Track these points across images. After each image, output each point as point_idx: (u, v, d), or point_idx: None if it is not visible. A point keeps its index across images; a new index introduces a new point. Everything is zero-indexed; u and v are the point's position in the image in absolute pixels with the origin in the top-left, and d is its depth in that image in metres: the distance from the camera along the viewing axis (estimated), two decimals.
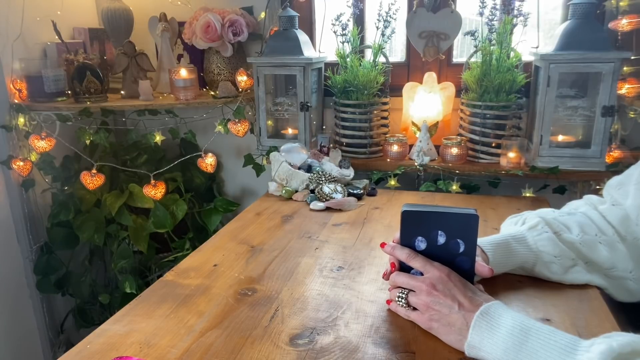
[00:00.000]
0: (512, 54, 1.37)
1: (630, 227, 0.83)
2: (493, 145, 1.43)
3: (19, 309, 1.62)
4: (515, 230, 0.85)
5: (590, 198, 0.91)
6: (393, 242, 0.76)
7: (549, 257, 0.81)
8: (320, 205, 1.22)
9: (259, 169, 1.60)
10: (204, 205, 1.77)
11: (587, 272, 0.81)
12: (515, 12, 1.33)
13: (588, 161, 1.32)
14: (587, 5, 1.27)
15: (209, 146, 1.65)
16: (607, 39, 1.26)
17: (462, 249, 0.71)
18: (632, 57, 1.29)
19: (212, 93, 1.66)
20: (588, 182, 1.40)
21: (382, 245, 0.76)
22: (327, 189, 1.27)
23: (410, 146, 1.53)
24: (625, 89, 1.32)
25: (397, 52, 1.67)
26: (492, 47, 1.37)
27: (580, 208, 0.90)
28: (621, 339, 0.53)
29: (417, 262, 0.72)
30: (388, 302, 0.76)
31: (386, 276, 0.77)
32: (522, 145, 1.39)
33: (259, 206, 1.26)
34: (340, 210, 1.22)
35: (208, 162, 1.61)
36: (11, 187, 1.57)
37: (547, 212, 0.88)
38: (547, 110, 1.32)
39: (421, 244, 0.72)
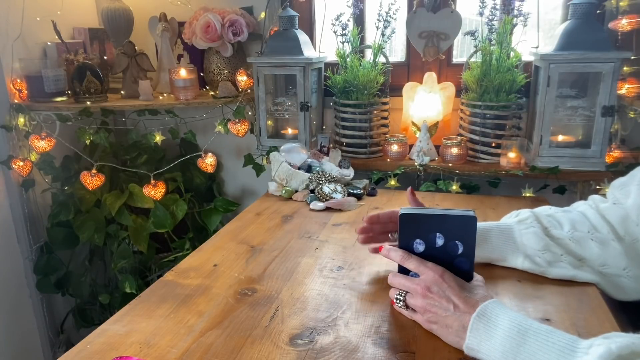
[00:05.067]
0: (512, 54, 1.37)
1: (630, 227, 0.83)
2: (493, 145, 1.43)
3: (19, 309, 1.62)
4: (504, 222, 0.88)
5: (594, 198, 0.92)
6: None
7: (532, 250, 0.83)
8: (320, 205, 1.22)
9: (259, 169, 1.60)
10: (204, 205, 1.77)
11: (573, 268, 0.83)
12: (515, 12, 1.33)
13: (588, 161, 1.32)
14: (587, 5, 1.27)
15: (209, 146, 1.65)
16: (607, 39, 1.26)
17: (460, 250, 0.71)
18: (632, 57, 1.28)
19: (212, 93, 1.66)
20: (588, 182, 1.40)
21: (380, 248, 0.77)
22: (327, 189, 1.27)
23: (410, 146, 1.53)
24: (625, 89, 1.32)
25: (397, 52, 1.67)
26: (492, 47, 1.37)
27: (580, 207, 0.91)
28: (620, 340, 0.53)
29: (411, 264, 0.72)
30: (392, 302, 0.76)
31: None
32: (522, 145, 1.39)
33: (259, 206, 1.26)
34: (340, 210, 1.22)
35: (208, 162, 1.61)
36: (11, 187, 1.57)
37: (544, 209, 0.90)
38: (547, 110, 1.32)
39: (419, 246, 0.72)
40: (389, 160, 1.51)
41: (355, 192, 1.30)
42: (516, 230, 0.85)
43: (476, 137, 1.44)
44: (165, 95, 1.69)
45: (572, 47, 1.27)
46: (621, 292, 0.82)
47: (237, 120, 1.57)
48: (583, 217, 0.87)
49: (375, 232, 0.90)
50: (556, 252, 0.83)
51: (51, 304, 1.73)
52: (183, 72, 1.57)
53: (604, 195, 0.92)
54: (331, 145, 1.56)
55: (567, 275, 0.82)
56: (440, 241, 0.71)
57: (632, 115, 1.33)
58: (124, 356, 0.65)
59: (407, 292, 0.72)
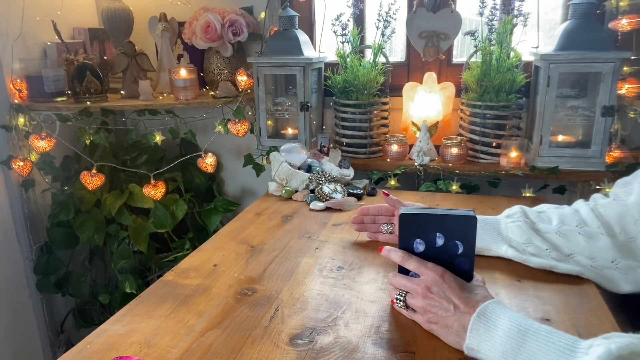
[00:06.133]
0: (512, 54, 1.37)
1: (628, 225, 0.83)
2: (493, 145, 1.43)
3: (19, 309, 1.62)
4: (493, 216, 0.92)
5: (595, 196, 0.93)
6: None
7: (516, 242, 0.88)
8: (320, 205, 1.22)
9: (259, 169, 1.60)
10: (204, 205, 1.77)
11: (554, 259, 0.85)
12: (515, 12, 1.33)
13: (588, 161, 1.32)
14: (587, 5, 1.27)
15: (209, 146, 1.65)
16: (607, 39, 1.26)
17: (460, 250, 0.71)
18: (632, 57, 1.29)
19: (212, 93, 1.66)
20: (588, 182, 1.40)
21: (380, 249, 0.77)
22: (327, 189, 1.27)
23: (410, 146, 1.53)
24: (625, 89, 1.32)
25: (397, 52, 1.67)
26: (492, 47, 1.37)
27: (577, 204, 0.92)
28: (620, 340, 0.53)
29: (411, 264, 0.72)
30: (392, 302, 0.76)
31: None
32: (522, 145, 1.39)
33: (259, 206, 1.26)
34: (340, 210, 1.22)
35: (208, 162, 1.61)
36: (11, 187, 1.57)
37: (538, 207, 0.92)
38: (547, 110, 1.32)
39: (420, 246, 0.72)
40: (389, 160, 1.51)
41: (355, 192, 1.30)
42: (502, 224, 0.90)
43: (476, 137, 1.44)
44: (165, 95, 1.69)
45: (572, 47, 1.27)
46: (611, 284, 0.83)
47: (237, 120, 1.57)
48: (574, 212, 0.89)
49: (366, 223, 1.02)
50: (540, 247, 0.86)
51: (51, 304, 1.73)
52: (183, 72, 1.57)
53: (605, 194, 0.92)
54: (331, 145, 1.56)
55: (547, 265, 0.85)
56: (440, 241, 0.71)
57: (632, 115, 1.33)
58: (124, 356, 0.65)
59: (407, 292, 0.72)
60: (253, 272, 0.89)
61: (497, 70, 1.36)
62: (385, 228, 0.99)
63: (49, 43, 1.61)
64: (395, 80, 1.59)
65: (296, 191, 1.32)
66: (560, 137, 1.40)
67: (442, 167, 1.43)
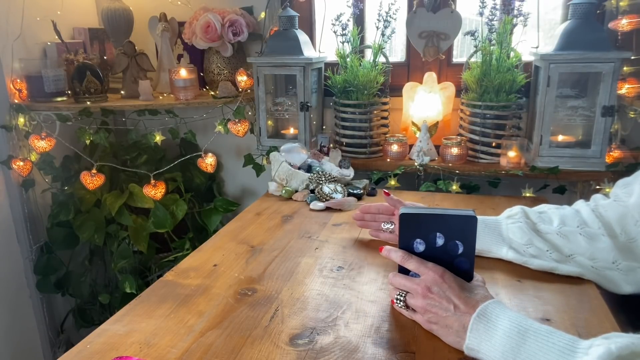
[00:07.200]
0: (512, 54, 1.37)
1: (628, 226, 0.83)
2: (493, 145, 1.43)
3: (19, 309, 1.62)
4: (493, 217, 0.91)
5: (595, 197, 0.92)
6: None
7: (517, 244, 0.87)
8: (320, 205, 1.22)
9: (259, 169, 1.60)
10: (204, 205, 1.77)
11: (554, 261, 0.85)
12: (515, 12, 1.33)
13: (588, 161, 1.32)
14: (587, 5, 1.27)
15: (209, 146, 1.65)
16: (607, 39, 1.26)
17: (460, 250, 0.71)
18: (632, 57, 1.29)
19: (212, 93, 1.66)
20: (588, 182, 1.40)
21: (380, 249, 0.77)
22: (327, 189, 1.27)
23: (410, 146, 1.53)
24: (625, 89, 1.32)
25: (397, 52, 1.67)
26: (492, 47, 1.37)
27: (577, 205, 0.92)
28: (620, 340, 0.53)
29: (411, 264, 0.72)
30: (392, 301, 0.76)
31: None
32: (522, 145, 1.39)
33: (259, 206, 1.26)
34: (340, 210, 1.22)
35: (208, 162, 1.61)
36: (11, 187, 1.57)
37: (539, 207, 0.92)
38: (547, 110, 1.32)
39: (420, 246, 0.72)
40: (389, 160, 1.51)
41: (355, 192, 1.30)
42: (503, 225, 0.89)
43: (476, 137, 1.44)
44: (165, 95, 1.69)
45: (572, 47, 1.27)
46: (612, 285, 0.83)
47: (237, 120, 1.57)
48: (575, 213, 0.89)
49: (367, 220, 1.03)
50: (541, 248, 0.86)
51: (51, 304, 1.73)
52: (183, 72, 1.57)
53: (606, 195, 0.92)
54: (331, 145, 1.56)
55: (548, 267, 0.85)
56: (440, 241, 0.71)
57: (632, 115, 1.33)
58: (124, 356, 0.65)
59: (407, 292, 0.72)
60: (253, 272, 0.89)
61: (497, 70, 1.36)
62: (386, 227, 0.98)
63: (49, 43, 1.61)
64: (395, 80, 1.59)
65: (296, 191, 1.32)
66: (560, 137, 1.41)
67: (442, 167, 1.43)
